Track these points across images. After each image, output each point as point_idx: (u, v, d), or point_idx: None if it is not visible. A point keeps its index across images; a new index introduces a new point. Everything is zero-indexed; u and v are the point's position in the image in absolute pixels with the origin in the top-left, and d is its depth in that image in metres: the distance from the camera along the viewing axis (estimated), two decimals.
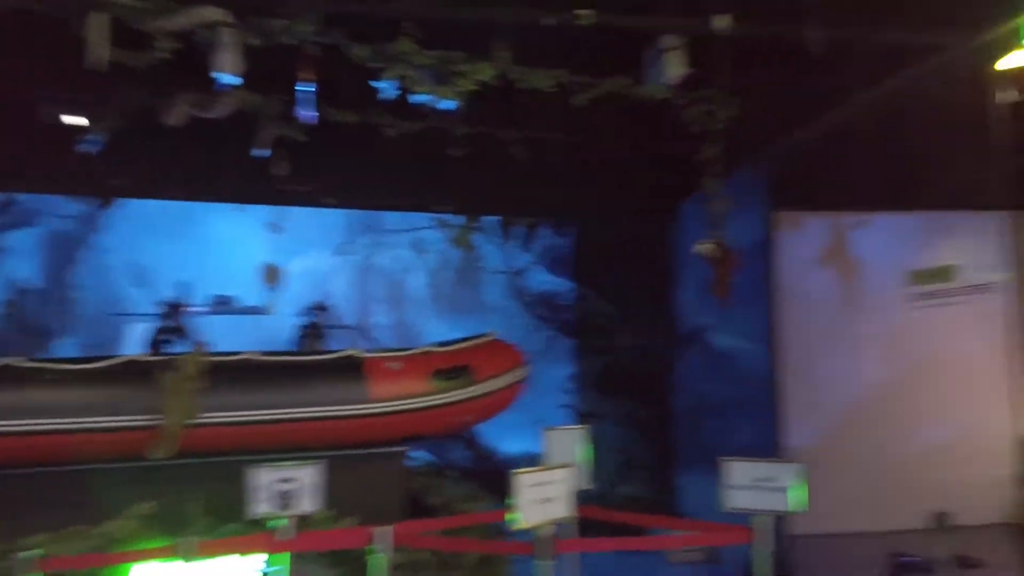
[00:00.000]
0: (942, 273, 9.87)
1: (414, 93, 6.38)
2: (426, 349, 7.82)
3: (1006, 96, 6.24)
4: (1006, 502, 9.52)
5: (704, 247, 7.33)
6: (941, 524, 8.78)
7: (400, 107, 6.80)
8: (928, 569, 7.75)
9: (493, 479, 5.00)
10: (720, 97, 6.71)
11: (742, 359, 9.75)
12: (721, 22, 6.12)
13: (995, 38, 6.01)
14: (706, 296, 8.64)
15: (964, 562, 7.80)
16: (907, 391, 9.67)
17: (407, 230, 10.90)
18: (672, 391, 11.13)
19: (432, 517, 6.79)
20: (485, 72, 6.19)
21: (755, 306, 9.19)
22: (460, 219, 10.83)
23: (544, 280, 11.50)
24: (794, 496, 5.22)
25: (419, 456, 8.61)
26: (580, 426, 6.78)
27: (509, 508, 4.73)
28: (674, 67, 6.25)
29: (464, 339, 8.02)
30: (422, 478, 8.04)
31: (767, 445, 8.90)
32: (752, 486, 5.23)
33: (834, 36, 6.07)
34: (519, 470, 4.75)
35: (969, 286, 9.87)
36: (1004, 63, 6.02)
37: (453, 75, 6.25)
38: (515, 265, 11.38)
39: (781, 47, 6.25)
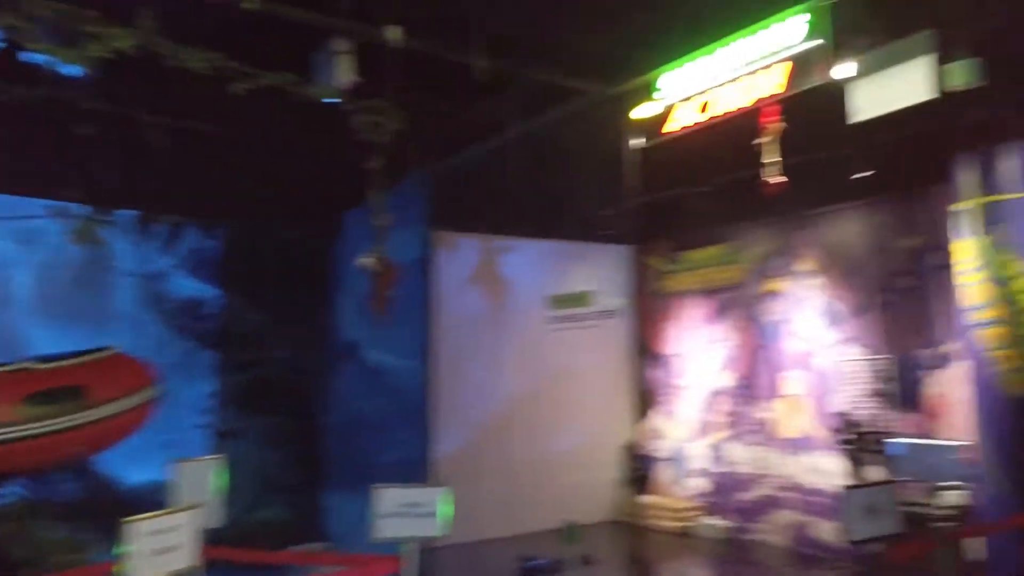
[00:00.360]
0: (579, 299, 11.00)
1: (27, 50, 5.26)
2: (21, 366, 6.49)
3: (637, 142, 7.03)
4: (616, 502, 10.83)
5: (366, 260, 7.16)
6: (569, 527, 9.58)
7: (9, 66, 5.59)
8: (555, 570, 8.34)
9: (112, 516, 4.13)
10: (388, 109, 6.59)
11: (396, 374, 9.75)
12: (393, 34, 6.03)
13: (630, 89, 6.77)
14: (363, 310, 8.46)
15: (586, 560, 8.57)
16: (541, 404, 10.58)
17: (10, 217, 9.01)
18: (323, 407, 10.75)
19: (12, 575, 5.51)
20: (123, 39, 5.31)
21: (411, 322, 9.25)
22: (86, 210, 9.28)
23: (187, 286, 10.33)
24: (441, 519, 5.20)
25: (8, 492, 7.07)
26: (215, 455, 6.09)
27: (118, 561, 3.95)
28: (344, 72, 6.05)
29: (77, 354, 6.81)
30: (6, 523, 6.53)
31: (418, 459, 8.96)
32: (401, 512, 5.13)
33: (496, 68, 6.32)
34: (131, 517, 3.99)
35: (599, 311, 11.13)
36: (637, 112, 6.79)
37: (82, 36, 5.25)
38: (152, 268, 10.03)
39: (450, 69, 6.34)
